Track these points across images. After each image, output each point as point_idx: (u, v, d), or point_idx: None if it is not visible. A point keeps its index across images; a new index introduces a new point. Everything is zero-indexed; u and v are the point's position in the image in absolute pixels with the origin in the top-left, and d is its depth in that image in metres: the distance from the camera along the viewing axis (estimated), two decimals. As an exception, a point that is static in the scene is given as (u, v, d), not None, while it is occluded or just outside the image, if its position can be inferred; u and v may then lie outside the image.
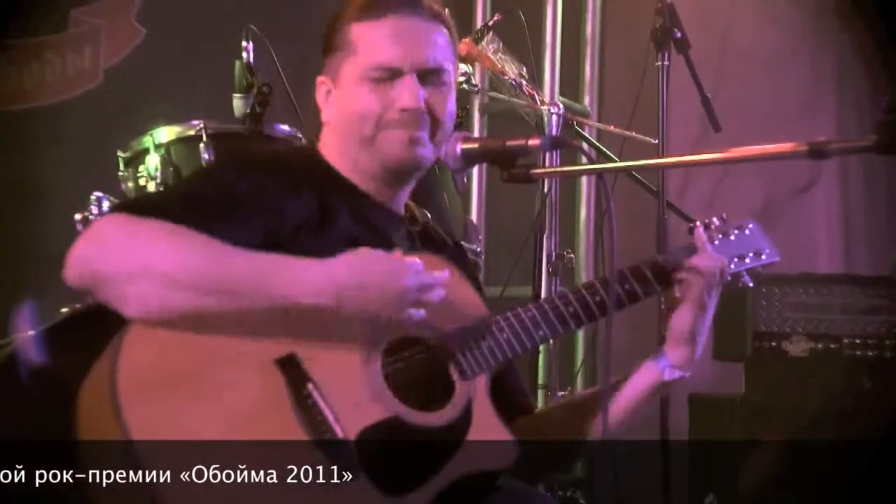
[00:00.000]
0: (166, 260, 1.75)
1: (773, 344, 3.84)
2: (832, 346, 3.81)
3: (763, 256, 2.28)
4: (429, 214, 2.25)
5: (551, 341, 3.56)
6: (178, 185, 2.05)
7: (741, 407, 3.82)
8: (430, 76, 2.07)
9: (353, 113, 2.05)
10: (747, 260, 2.27)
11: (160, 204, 1.86)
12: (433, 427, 1.87)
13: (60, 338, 2.00)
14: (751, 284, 2.29)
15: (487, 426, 1.91)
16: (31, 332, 2.76)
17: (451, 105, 2.12)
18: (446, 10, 2.14)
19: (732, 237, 2.27)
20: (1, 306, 2.98)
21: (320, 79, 2.11)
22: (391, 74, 2.04)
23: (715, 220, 2.25)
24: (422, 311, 1.87)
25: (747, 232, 2.29)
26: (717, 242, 2.23)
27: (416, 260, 1.88)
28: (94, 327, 1.79)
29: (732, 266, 2.22)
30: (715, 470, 3.85)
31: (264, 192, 1.92)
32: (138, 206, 1.85)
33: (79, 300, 3.00)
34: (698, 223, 2.23)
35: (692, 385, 4.17)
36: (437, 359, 1.93)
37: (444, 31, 2.11)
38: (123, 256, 1.75)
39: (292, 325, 1.81)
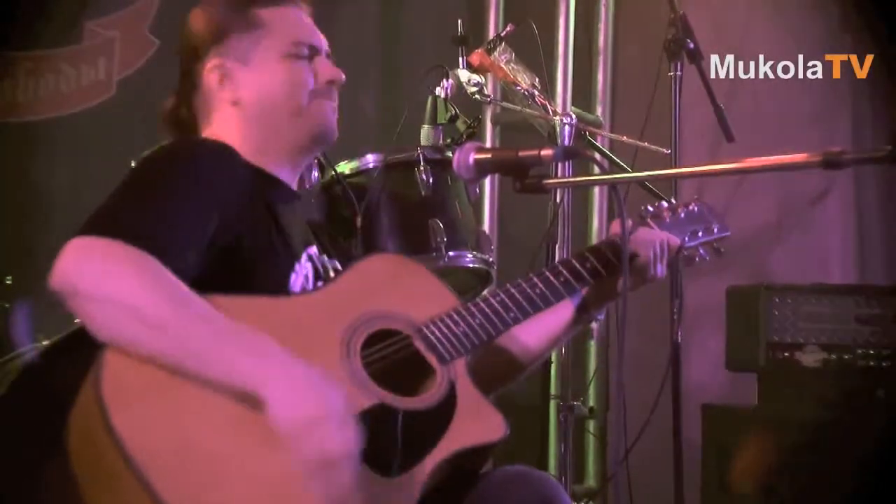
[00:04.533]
0: (138, 297, 1.75)
1: (787, 354, 3.83)
2: (846, 356, 3.80)
3: (714, 231, 2.46)
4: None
5: (563, 351, 3.57)
6: (138, 196, 2.01)
7: (754, 417, 3.81)
8: (329, 58, 2.25)
9: (284, 85, 2.17)
10: (700, 234, 2.44)
11: (137, 225, 1.85)
12: (420, 409, 1.91)
13: (74, 348, 2.01)
14: (707, 258, 2.47)
15: (473, 404, 1.96)
16: (32, 344, 2.77)
17: None
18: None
19: (682, 215, 2.44)
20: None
21: (212, 63, 2.18)
22: (312, 52, 2.21)
23: (663, 203, 2.47)
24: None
25: (695, 210, 2.46)
26: (668, 221, 2.41)
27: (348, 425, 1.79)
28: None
29: (686, 239, 2.42)
30: (728, 480, 3.84)
31: (207, 191, 1.97)
32: (118, 226, 1.84)
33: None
34: (647, 208, 2.43)
35: (705, 395, 4.17)
36: (415, 347, 1.98)
37: None
38: (99, 280, 1.76)
39: (273, 326, 1.82)
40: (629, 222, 2.31)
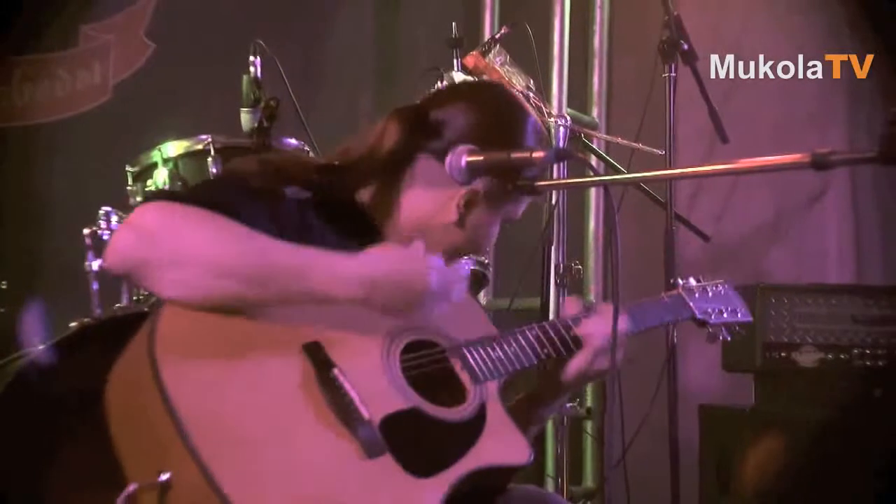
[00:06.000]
0: (211, 248, 1.79)
1: (783, 355, 3.83)
2: (842, 356, 3.80)
3: (739, 315, 2.53)
4: None
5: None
6: (201, 185, 2.06)
7: (751, 418, 3.81)
8: None
9: (474, 249, 2.24)
10: (725, 315, 2.50)
11: (194, 195, 1.89)
12: (451, 421, 1.94)
13: (72, 351, 2.02)
14: (728, 339, 2.52)
15: (501, 426, 2.00)
16: (42, 345, 2.77)
17: None
18: None
19: (710, 293, 2.50)
20: (12, 319, 3.00)
21: (476, 187, 2.13)
22: None
23: (692, 280, 2.50)
24: (443, 306, 1.96)
25: (722, 291, 2.53)
26: (697, 296, 2.46)
27: (438, 258, 1.95)
28: (106, 341, 1.80)
29: (713, 318, 2.47)
30: (725, 481, 3.83)
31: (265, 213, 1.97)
32: (175, 195, 1.88)
33: (88, 314, 3.01)
34: (678, 280, 2.48)
35: (702, 396, 4.17)
36: (450, 363, 2.02)
37: None
38: (169, 243, 1.78)
39: (321, 315, 1.88)
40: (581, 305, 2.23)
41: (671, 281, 2.52)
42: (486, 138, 2.10)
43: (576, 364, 2.14)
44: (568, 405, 3.52)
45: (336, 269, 1.86)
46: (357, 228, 2.11)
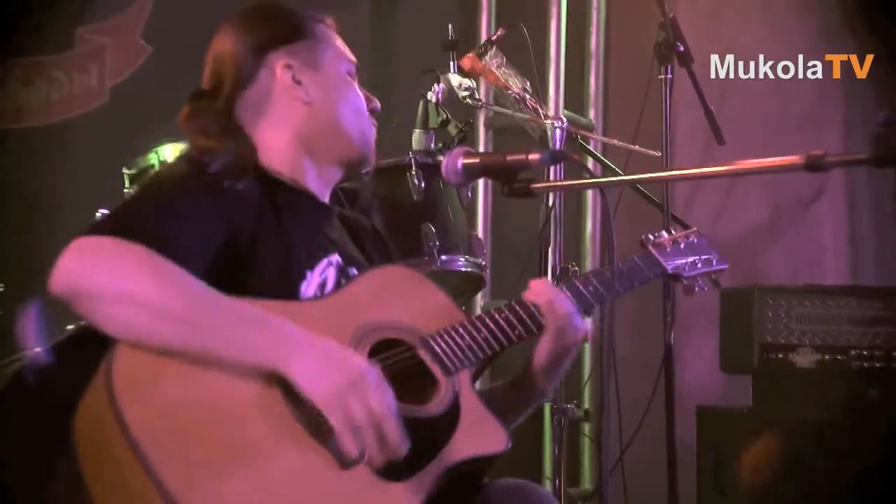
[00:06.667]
0: (152, 291, 1.77)
1: (780, 356, 3.84)
2: (839, 357, 3.81)
3: (714, 263, 2.48)
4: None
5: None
6: (145, 202, 2.02)
7: (748, 419, 3.82)
8: None
9: (350, 101, 2.19)
10: (699, 265, 2.45)
11: (141, 226, 1.86)
12: (425, 418, 1.92)
13: (68, 353, 2.02)
14: (706, 289, 2.47)
15: (476, 416, 1.98)
16: (38, 348, 2.77)
17: None
18: None
19: (682, 245, 2.46)
20: (10, 322, 3.00)
21: (284, 62, 2.15)
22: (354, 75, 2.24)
23: (663, 233, 2.47)
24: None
25: (694, 241, 2.48)
26: (669, 250, 2.42)
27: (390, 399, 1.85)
28: (100, 344, 1.79)
29: (686, 270, 2.42)
30: (723, 482, 3.84)
31: (217, 208, 1.97)
32: (121, 226, 1.85)
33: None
34: (648, 236, 2.43)
35: (700, 397, 4.17)
36: (420, 358, 2.00)
37: None
38: (108, 278, 1.77)
39: None
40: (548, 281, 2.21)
41: (641, 238, 2.44)
42: (269, 42, 2.16)
43: (544, 346, 2.11)
44: (566, 406, 3.51)
45: (286, 343, 1.82)
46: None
